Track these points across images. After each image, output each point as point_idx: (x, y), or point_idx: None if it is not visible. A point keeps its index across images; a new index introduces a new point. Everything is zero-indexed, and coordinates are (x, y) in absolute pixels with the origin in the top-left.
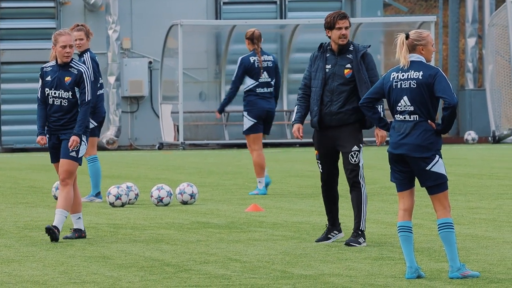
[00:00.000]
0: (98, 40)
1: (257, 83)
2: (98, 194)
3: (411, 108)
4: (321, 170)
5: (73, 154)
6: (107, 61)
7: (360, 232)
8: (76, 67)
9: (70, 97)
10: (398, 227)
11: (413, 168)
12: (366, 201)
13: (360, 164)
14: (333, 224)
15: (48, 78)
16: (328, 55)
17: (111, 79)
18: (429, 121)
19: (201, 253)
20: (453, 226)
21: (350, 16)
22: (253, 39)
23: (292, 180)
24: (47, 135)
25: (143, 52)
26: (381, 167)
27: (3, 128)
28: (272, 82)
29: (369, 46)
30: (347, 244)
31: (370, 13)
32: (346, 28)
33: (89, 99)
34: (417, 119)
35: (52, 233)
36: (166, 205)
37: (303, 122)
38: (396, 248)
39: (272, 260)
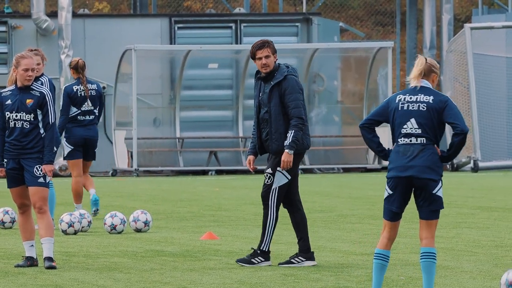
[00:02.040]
0: (51, 65)
1: (79, 111)
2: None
3: (419, 131)
4: None
5: (41, 180)
6: (59, 86)
7: (259, 252)
8: (37, 89)
9: (32, 119)
10: (377, 254)
11: (418, 191)
12: (272, 223)
13: (274, 187)
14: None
15: (8, 102)
16: (261, 82)
17: None
18: (435, 145)
19: (155, 282)
20: (436, 256)
21: (306, 41)
22: (78, 68)
23: (247, 208)
24: (5, 160)
25: (96, 77)
26: (337, 194)
27: None
28: (95, 110)
29: (288, 67)
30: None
31: (327, 38)
32: (266, 57)
33: (52, 121)
34: (425, 142)
35: (52, 267)
36: (120, 232)
37: (256, 153)
38: (353, 277)
39: None
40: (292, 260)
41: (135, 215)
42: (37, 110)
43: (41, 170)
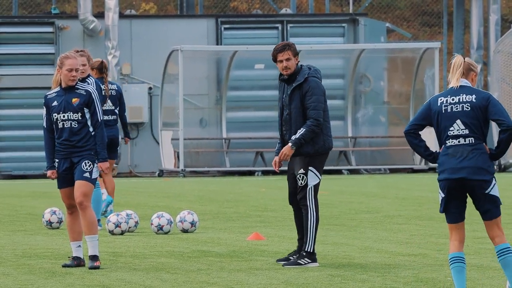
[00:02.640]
0: None
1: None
2: (97, 222)
3: (466, 132)
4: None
5: (87, 175)
6: None
7: (305, 253)
8: (83, 88)
9: (80, 118)
10: (452, 258)
11: (471, 193)
12: (313, 224)
13: (309, 187)
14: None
15: (55, 104)
16: (284, 84)
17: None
18: (484, 143)
19: (202, 282)
20: None
21: (353, 42)
22: (102, 68)
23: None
24: (56, 161)
25: (143, 77)
26: (384, 195)
27: (1, 154)
28: (116, 110)
29: (310, 69)
30: (284, 265)
31: (373, 39)
32: (287, 59)
33: (101, 119)
34: (473, 141)
35: (94, 268)
36: (166, 233)
37: None
38: (399, 278)
39: None
40: (290, 258)
41: (182, 216)
42: (84, 108)
43: (89, 166)
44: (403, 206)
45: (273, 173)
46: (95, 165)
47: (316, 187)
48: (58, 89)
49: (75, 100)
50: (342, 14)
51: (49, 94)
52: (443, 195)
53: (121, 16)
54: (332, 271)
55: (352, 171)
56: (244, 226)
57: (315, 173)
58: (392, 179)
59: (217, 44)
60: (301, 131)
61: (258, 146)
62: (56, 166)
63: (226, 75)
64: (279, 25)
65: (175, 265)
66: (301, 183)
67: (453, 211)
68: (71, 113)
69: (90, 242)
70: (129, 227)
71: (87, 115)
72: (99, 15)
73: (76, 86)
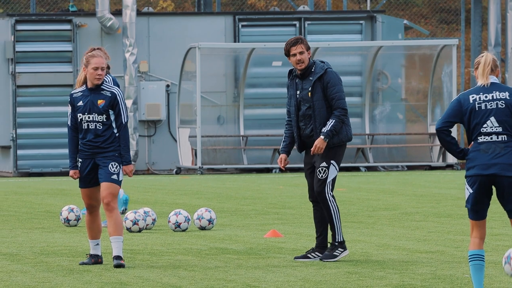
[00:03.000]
0: (115, 63)
1: None
2: None
3: (499, 129)
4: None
5: (115, 177)
6: (124, 84)
7: (336, 244)
8: (108, 89)
9: (104, 120)
10: (472, 255)
11: (501, 190)
12: (336, 214)
13: (328, 180)
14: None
15: (80, 103)
16: (297, 81)
17: (128, 103)
18: None
19: (220, 280)
20: None
21: (370, 39)
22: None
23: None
24: (80, 160)
25: (160, 75)
26: (402, 192)
27: (19, 152)
28: None
29: (323, 62)
30: (321, 259)
31: (391, 36)
32: (301, 53)
33: (125, 121)
34: (506, 139)
35: (120, 265)
36: (184, 230)
37: (289, 151)
38: (417, 275)
39: (291, 286)
40: (309, 255)
41: (200, 213)
42: (109, 110)
43: (116, 168)
44: (420, 203)
45: (290, 170)
46: (121, 167)
47: (334, 180)
48: (83, 88)
49: (100, 102)
50: (359, 11)
51: (74, 93)
52: (471, 191)
53: (139, 13)
54: (350, 268)
55: (369, 168)
56: (261, 223)
57: (335, 167)
58: (410, 176)
59: (235, 41)
60: (331, 122)
61: (275, 144)
62: (79, 165)
63: (244, 72)
64: (297, 23)
65: (193, 263)
66: (322, 176)
67: (478, 207)
68: (96, 114)
69: (115, 243)
70: (147, 225)
71: (112, 117)
72: (117, 12)
73: (102, 86)
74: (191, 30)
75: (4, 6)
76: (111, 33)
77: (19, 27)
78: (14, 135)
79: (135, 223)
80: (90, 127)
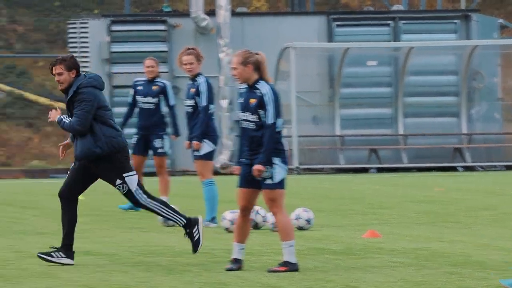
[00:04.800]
0: (210, 64)
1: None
2: (213, 219)
3: None
4: None
5: (269, 181)
6: (218, 84)
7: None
8: (260, 88)
9: (256, 120)
10: None
11: None
12: (163, 208)
13: (134, 189)
14: None
15: (241, 101)
16: None
17: (224, 103)
18: None
19: (319, 280)
20: None
21: (465, 38)
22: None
23: (409, 206)
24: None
25: None
26: (501, 192)
27: None
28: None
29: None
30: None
31: (486, 35)
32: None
33: (272, 121)
34: None
35: (275, 271)
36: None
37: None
38: None
39: (390, 287)
40: (52, 254)
41: (297, 213)
42: (258, 110)
43: (270, 172)
44: None
45: (387, 170)
46: (275, 166)
47: (138, 184)
48: (245, 85)
49: (252, 101)
50: (454, 10)
51: (240, 89)
52: None
53: (233, 13)
54: (449, 268)
55: (467, 168)
56: (359, 223)
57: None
58: (509, 176)
59: (329, 41)
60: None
61: (372, 143)
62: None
63: (339, 72)
64: (391, 22)
65: None
66: (125, 192)
67: None
68: (249, 113)
69: (284, 249)
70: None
71: (262, 117)
72: (211, 12)
73: (255, 85)
74: (285, 30)
75: (99, 7)
76: (205, 33)
77: (115, 27)
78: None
79: (233, 223)
80: (249, 127)
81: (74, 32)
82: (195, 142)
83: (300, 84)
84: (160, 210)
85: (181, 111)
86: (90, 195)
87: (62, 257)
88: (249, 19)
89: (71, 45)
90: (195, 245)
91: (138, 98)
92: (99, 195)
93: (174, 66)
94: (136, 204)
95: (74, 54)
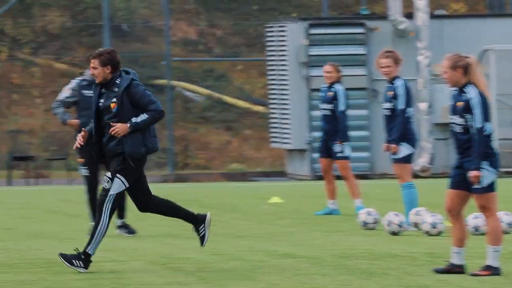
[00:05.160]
0: (408, 66)
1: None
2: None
3: None
4: None
5: (477, 186)
6: (416, 87)
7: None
8: (467, 92)
9: (464, 123)
10: None
11: None
12: (102, 229)
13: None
14: None
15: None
16: None
17: (422, 106)
18: None
19: None
20: None
21: None
22: None
23: None
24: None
25: None
26: None
27: (315, 155)
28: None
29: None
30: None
31: None
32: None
33: (480, 126)
34: None
35: (475, 274)
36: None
37: None
38: None
39: None
40: None
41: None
42: (464, 114)
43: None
44: None
45: None
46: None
47: (122, 193)
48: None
49: (459, 104)
50: None
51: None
52: None
53: (431, 16)
54: None
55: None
56: None
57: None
58: None
59: None
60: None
61: None
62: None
63: None
64: None
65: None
66: (106, 186)
67: None
68: (457, 116)
69: (489, 252)
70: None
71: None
72: (409, 15)
73: (463, 89)
74: (485, 32)
75: (297, 11)
76: (403, 36)
77: (312, 31)
78: (310, 138)
79: (434, 226)
80: (457, 130)
81: (272, 36)
82: (392, 145)
83: (501, 86)
84: (101, 228)
85: (379, 114)
86: (288, 198)
87: None
88: (448, 21)
89: (269, 48)
90: (201, 239)
91: (320, 104)
92: (298, 199)
93: (373, 69)
94: (99, 204)
95: (272, 58)
